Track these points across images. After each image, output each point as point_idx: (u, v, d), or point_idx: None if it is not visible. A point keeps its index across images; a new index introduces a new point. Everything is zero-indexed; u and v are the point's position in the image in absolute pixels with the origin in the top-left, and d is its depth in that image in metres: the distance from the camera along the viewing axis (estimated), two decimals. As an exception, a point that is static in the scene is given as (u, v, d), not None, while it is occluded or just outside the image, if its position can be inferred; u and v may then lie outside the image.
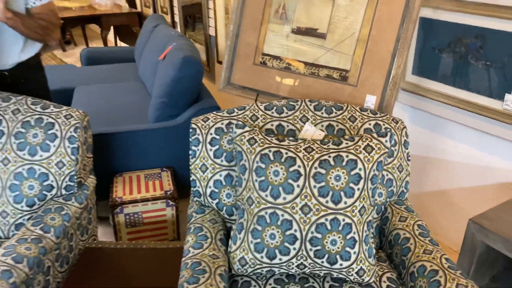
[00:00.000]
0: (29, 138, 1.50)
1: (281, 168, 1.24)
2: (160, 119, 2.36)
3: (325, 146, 1.29)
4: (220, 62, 3.51)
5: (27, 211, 1.51)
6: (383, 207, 1.48)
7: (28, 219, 1.50)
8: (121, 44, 5.61)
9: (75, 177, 1.55)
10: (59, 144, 1.51)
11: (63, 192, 1.55)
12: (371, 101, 1.70)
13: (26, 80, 1.82)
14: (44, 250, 1.32)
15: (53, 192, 1.53)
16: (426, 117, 2.01)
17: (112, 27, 5.02)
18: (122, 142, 2.24)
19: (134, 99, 2.93)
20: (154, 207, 2.09)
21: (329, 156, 1.25)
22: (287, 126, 1.47)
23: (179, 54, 2.33)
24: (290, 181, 1.23)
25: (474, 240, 1.39)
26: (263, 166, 1.26)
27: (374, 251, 1.29)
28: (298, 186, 1.22)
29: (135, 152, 2.28)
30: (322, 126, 1.47)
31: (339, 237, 1.22)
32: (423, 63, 1.92)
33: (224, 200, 1.46)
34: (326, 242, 1.22)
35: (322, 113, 1.49)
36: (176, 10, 4.17)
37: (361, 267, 1.24)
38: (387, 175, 1.46)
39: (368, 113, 1.51)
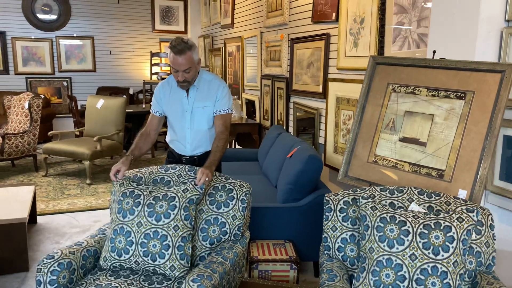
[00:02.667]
0: (217, 197, 2.24)
1: (396, 227, 1.79)
2: (286, 201, 3.04)
3: (427, 216, 1.83)
4: (326, 165, 4.20)
5: (208, 248, 2.19)
6: (473, 273, 1.90)
7: (208, 254, 2.17)
8: (237, 147, 6.69)
9: (241, 228, 2.23)
10: (235, 203, 2.22)
11: (232, 238, 2.22)
12: (462, 194, 2.20)
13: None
14: (225, 270, 1.96)
15: (226, 237, 2.21)
16: (513, 216, 2.41)
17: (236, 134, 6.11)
18: (258, 215, 2.91)
19: (260, 188, 3.67)
20: (281, 268, 2.66)
21: (431, 222, 1.78)
22: (397, 203, 2.03)
23: (305, 153, 3.08)
24: (402, 236, 1.77)
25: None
26: (382, 225, 1.82)
27: (465, 298, 1.71)
28: (407, 240, 1.75)
29: (266, 223, 2.94)
30: (424, 206, 2.01)
31: (437, 280, 1.69)
32: (509, 171, 2.40)
33: (348, 253, 2.01)
34: (428, 283, 1.69)
35: (424, 197, 2.04)
36: (291, 123, 5.10)
37: (455, 307, 1.67)
38: (476, 248, 1.91)
39: (460, 201, 2.03)
